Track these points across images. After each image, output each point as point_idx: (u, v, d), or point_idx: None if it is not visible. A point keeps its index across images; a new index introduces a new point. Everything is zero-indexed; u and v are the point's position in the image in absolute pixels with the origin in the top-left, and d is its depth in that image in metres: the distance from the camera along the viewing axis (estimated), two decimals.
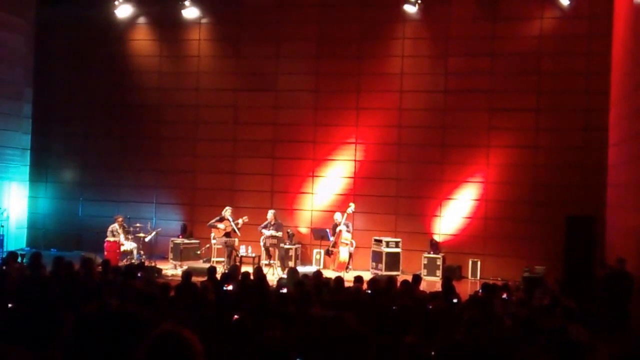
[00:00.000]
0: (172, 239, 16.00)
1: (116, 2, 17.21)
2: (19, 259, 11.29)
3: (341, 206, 15.29)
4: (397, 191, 16.16)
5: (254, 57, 17.10)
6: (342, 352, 4.53)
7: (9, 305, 5.27)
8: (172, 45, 17.73)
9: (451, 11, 16.05)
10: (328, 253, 15.14)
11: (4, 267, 9.82)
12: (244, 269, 12.04)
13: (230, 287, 8.54)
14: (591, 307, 9.53)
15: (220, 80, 17.37)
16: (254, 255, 14.74)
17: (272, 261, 14.84)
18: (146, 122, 17.59)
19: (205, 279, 9.53)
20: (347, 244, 14.85)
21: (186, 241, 15.90)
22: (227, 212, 14.97)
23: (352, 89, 16.53)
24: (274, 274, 13.88)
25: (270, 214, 15.28)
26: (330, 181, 16.60)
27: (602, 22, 14.75)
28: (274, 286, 9.58)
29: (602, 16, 14.75)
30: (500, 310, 7.61)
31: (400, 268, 15.05)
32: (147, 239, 15.22)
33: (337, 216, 15.04)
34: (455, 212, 15.84)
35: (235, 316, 5.58)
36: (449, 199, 15.88)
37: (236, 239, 14.82)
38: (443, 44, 16.12)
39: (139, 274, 9.59)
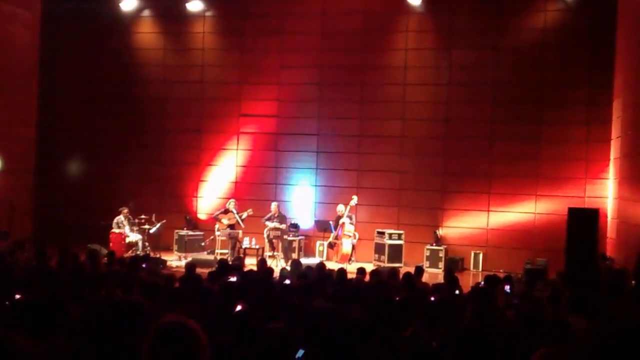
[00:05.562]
0: (177, 230, 16.08)
1: None
2: (25, 250, 11.35)
3: (344, 198, 15.32)
4: (401, 184, 16.19)
5: (258, 50, 17.12)
6: (345, 343, 4.60)
7: (17, 296, 5.34)
8: (176, 38, 17.77)
9: (455, 4, 16.02)
10: (331, 245, 15.21)
11: (11, 258, 9.90)
12: (247, 260, 12.11)
13: (234, 279, 8.60)
14: (593, 298, 9.53)
15: (225, 73, 17.41)
16: (257, 247, 14.86)
17: (275, 253, 14.92)
18: (151, 115, 17.65)
19: (209, 270, 9.60)
20: (350, 236, 14.91)
21: (190, 233, 15.98)
22: (231, 204, 15.12)
23: (356, 81, 16.53)
24: (277, 266, 13.94)
25: (273, 205, 15.41)
26: (334, 173, 16.65)
27: (605, 14, 14.68)
28: (277, 277, 9.63)
29: (605, 9, 14.70)
30: (502, 302, 7.65)
31: (403, 260, 15.09)
32: (151, 231, 15.30)
33: (340, 208, 15.10)
34: (458, 205, 15.87)
35: (239, 307, 5.63)
36: (452, 191, 15.90)
37: (240, 231, 14.93)
38: (447, 37, 16.11)
39: (143, 265, 9.68)
